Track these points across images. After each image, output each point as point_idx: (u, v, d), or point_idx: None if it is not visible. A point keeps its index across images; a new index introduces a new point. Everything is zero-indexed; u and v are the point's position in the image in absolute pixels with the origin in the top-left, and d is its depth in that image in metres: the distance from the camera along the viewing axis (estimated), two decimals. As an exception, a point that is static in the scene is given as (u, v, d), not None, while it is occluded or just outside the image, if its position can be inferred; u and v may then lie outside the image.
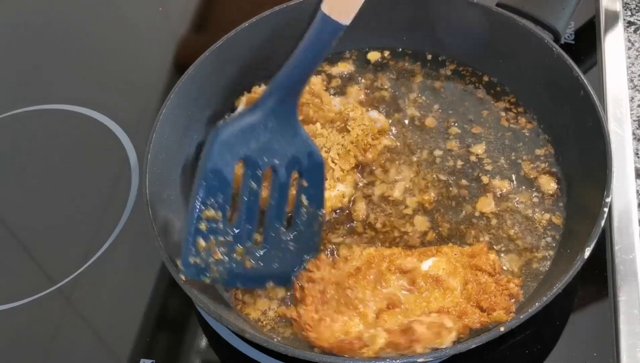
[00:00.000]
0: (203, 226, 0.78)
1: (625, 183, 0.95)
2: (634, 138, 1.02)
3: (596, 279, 0.87)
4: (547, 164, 0.96)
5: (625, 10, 1.20)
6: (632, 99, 1.08)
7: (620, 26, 1.14)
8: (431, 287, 0.81)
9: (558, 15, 1.00)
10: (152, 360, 0.86)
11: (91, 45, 1.27)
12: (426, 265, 0.83)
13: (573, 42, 1.12)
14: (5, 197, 1.07)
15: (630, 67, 1.12)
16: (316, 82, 1.02)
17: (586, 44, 1.12)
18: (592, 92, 0.90)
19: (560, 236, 0.88)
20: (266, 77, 1.06)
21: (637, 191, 0.95)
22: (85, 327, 0.91)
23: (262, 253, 0.83)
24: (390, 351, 0.76)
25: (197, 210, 0.77)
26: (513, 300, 0.81)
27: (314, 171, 0.85)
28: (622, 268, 0.87)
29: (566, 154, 0.95)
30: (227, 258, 0.80)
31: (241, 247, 0.81)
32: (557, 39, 0.99)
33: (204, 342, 0.88)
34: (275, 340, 0.82)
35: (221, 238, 0.79)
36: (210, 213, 0.78)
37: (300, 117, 0.99)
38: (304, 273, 0.85)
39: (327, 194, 0.91)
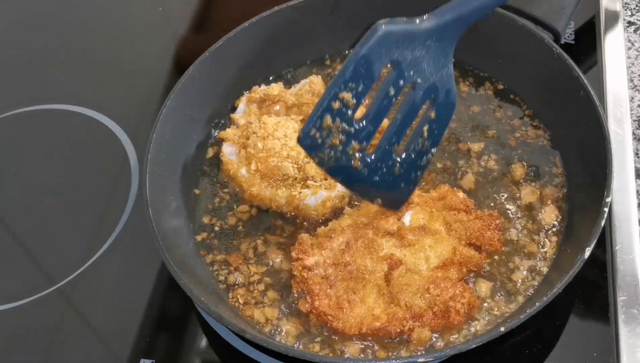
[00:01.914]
0: (336, 105, 0.77)
1: (625, 183, 0.95)
2: (634, 138, 1.02)
3: (596, 279, 0.87)
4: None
5: (625, 10, 1.20)
6: (632, 99, 1.08)
7: (620, 26, 1.14)
8: (420, 237, 0.84)
9: (558, 15, 1.00)
10: (152, 360, 0.86)
11: (91, 45, 1.27)
12: (407, 219, 0.87)
13: (573, 42, 1.12)
14: (5, 197, 1.07)
15: (630, 67, 1.12)
16: (317, 82, 1.02)
17: (586, 44, 1.12)
18: (592, 92, 0.90)
19: (560, 236, 0.88)
20: (266, 77, 1.08)
21: (637, 191, 0.95)
22: (85, 327, 0.91)
23: (371, 159, 0.81)
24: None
25: (337, 88, 0.76)
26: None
27: (445, 108, 0.82)
28: (622, 268, 0.87)
29: (566, 154, 0.95)
30: (341, 147, 0.79)
31: (357, 144, 0.80)
32: (557, 39, 0.99)
33: (204, 342, 0.88)
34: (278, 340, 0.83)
35: (345, 126, 0.78)
36: (347, 95, 0.76)
37: (300, 118, 0.99)
38: (296, 263, 0.85)
39: (327, 194, 0.92)
